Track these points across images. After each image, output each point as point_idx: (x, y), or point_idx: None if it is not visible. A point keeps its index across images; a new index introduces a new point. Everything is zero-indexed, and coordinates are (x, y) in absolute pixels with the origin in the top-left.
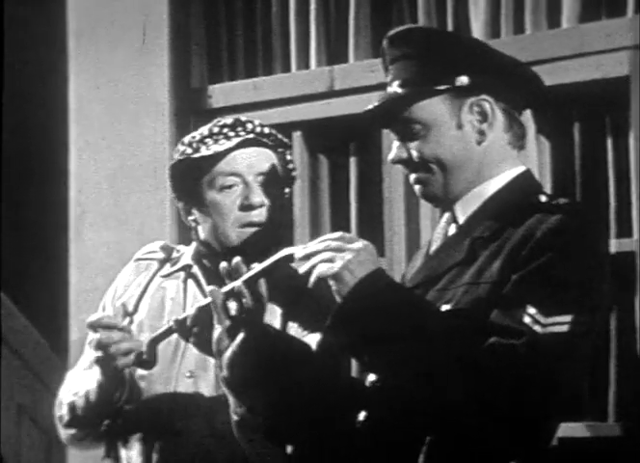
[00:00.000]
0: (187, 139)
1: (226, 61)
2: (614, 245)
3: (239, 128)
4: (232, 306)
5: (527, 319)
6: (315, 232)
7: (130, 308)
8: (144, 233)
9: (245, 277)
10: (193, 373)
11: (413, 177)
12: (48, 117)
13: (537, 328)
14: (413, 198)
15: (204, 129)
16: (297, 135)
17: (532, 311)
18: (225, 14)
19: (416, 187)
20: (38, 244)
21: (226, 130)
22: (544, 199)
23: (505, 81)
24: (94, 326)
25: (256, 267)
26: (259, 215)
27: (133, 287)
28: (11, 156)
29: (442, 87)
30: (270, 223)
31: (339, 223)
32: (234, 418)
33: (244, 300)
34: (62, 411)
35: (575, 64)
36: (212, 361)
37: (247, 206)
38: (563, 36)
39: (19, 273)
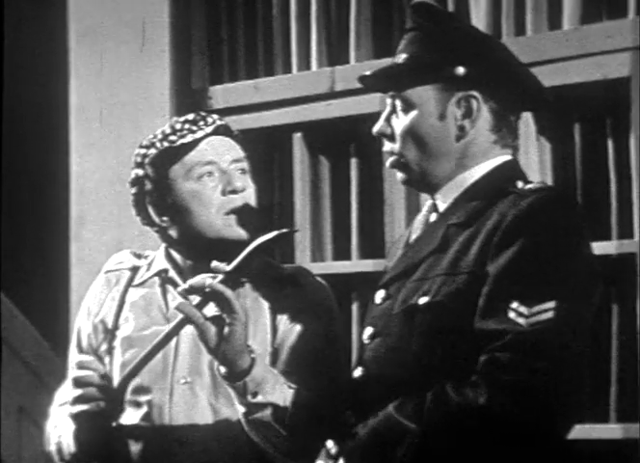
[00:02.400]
0: (146, 141)
1: (227, 62)
2: (615, 246)
3: (201, 122)
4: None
5: (512, 314)
6: (316, 234)
7: (110, 324)
8: (144, 234)
9: (227, 269)
10: (187, 379)
11: (392, 159)
12: (49, 118)
13: (521, 320)
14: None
15: (165, 128)
16: (298, 136)
17: (515, 304)
18: (225, 16)
19: (397, 173)
20: (38, 245)
21: (188, 125)
22: (520, 185)
23: (504, 80)
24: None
25: (233, 263)
26: (242, 199)
27: (108, 302)
28: (11, 157)
29: (439, 75)
30: (251, 207)
31: (340, 224)
32: (241, 410)
33: (223, 295)
34: (51, 448)
35: (577, 65)
36: (205, 365)
37: (230, 191)
38: (564, 37)
39: (20, 274)
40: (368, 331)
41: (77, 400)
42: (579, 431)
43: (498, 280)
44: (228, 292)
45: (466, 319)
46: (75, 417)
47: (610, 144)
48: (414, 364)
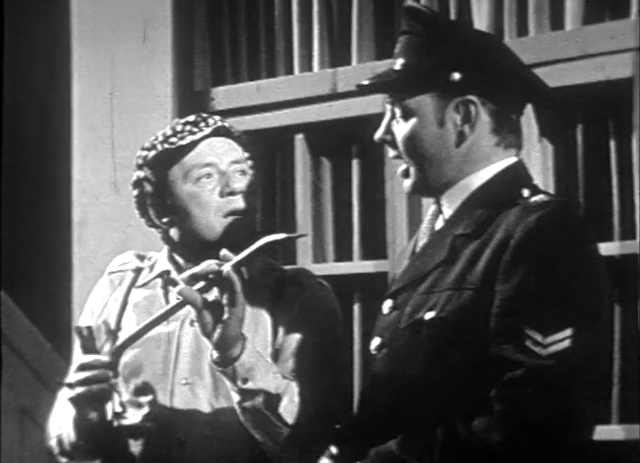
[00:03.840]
0: (148, 143)
1: (230, 63)
2: (617, 247)
3: (202, 124)
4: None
5: (528, 342)
6: (318, 235)
7: (112, 325)
8: (146, 235)
9: (233, 261)
10: (188, 380)
11: (402, 168)
12: (51, 119)
13: (537, 350)
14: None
15: (166, 130)
16: (299, 137)
17: (530, 331)
18: (228, 17)
19: (404, 182)
20: (40, 247)
21: (189, 127)
22: (526, 193)
23: (501, 80)
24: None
25: (237, 256)
26: (239, 201)
27: (111, 303)
28: (13, 158)
29: (435, 82)
30: (249, 209)
31: (342, 225)
32: (236, 398)
33: (230, 284)
34: (51, 442)
35: (579, 65)
36: (206, 366)
37: (228, 193)
38: (566, 37)
39: (23, 276)
40: (376, 342)
41: (77, 383)
42: None
43: (510, 303)
44: (238, 284)
45: (472, 336)
46: (74, 400)
47: (613, 145)
48: (420, 378)
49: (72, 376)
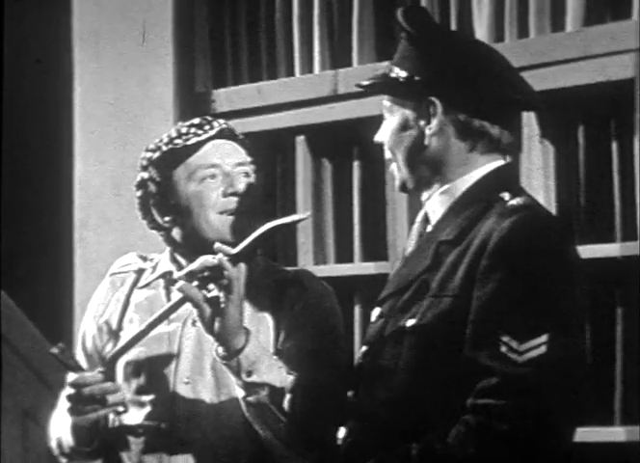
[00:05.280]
0: (152, 145)
1: (231, 65)
2: (618, 249)
3: (206, 126)
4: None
5: (503, 349)
6: (319, 236)
7: (114, 325)
8: (148, 236)
9: (233, 252)
10: (190, 380)
11: (392, 165)
12: (53, 121)
13: (513, 356)
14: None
15: (171, 132)
16: (300, 139)
17: (506, 338)
18: (228, 19)
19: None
20: (42, 247)
21: (194, 129)
22: (507, 197)
23: (469, 87)
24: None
25: (241, 244)
26: (241, 202)
27: (113, 304)
28: (15, 160)
29: (403, 86)
30: (250, 210)
31: (342, 227)
32: (240, 393)
33: (226, 273)
34: (52, 443)
35: (580, 67)
36: (207, 366)
37: (231, 193)
38: (567, 39)
39: (24, 277)
40: (363, 350)
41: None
42: (583, 434)
43: (486, 309)
44: (231, 271)
45: (451, 343)
46: (73, 410)
47: (614, 146)
48: (402, 387)
49: (69, 391)
